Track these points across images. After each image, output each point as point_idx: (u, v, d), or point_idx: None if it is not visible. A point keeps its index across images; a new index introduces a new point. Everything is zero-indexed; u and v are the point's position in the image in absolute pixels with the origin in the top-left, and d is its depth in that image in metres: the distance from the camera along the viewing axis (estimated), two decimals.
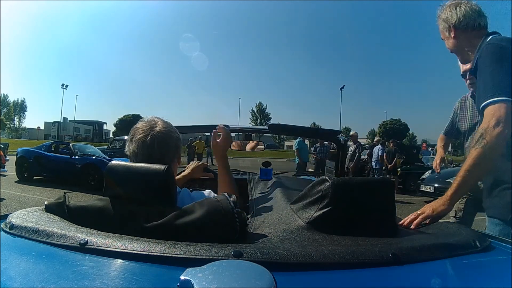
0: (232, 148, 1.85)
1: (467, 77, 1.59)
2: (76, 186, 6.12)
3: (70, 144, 7.45)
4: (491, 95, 0.94)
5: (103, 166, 6.22)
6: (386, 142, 7.95)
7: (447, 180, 6.05)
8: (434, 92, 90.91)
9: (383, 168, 7.52)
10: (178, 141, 0.87)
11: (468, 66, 1.56)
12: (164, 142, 0.81)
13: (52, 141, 8.06)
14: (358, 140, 7.30)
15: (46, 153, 7.08)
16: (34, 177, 7.06)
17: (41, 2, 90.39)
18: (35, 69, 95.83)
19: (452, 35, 1.19)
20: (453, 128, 1.78)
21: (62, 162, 6.82)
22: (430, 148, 13.87)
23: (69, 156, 6.82)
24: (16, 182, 6.73)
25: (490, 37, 1.10)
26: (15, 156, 7.37)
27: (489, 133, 0.91)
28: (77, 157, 6.79)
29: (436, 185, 6.20)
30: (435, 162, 1.84)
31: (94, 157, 6.83)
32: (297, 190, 0.98)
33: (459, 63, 1.59)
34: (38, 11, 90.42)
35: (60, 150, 7.33)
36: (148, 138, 0.79)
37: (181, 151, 0.90)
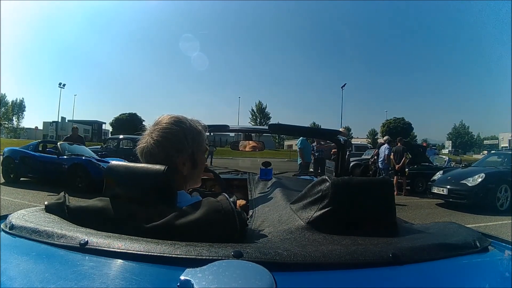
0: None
1: None
2: (63, 188, 5.79)
3: (58, 143, 7.19)
4: None
5: (91, 166, 6.12)
6: (393, 142, 7.92)
7: (461, 182, 5.86)
8: (433, 91, 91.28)
9: (390, 168, 7.50)
10: (185, 134, 0.78)
11: None
12: (165, 142, 0.77)
13: (39, 140, 7.90)
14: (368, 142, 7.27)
15: (33, 152, 6.93)
16: (21, 179, 6.91)
17: (40, 2, 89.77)
18: (33, 69, 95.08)
19: None
20: None
21: (49, 162, 6.64)
22: (431, 147, 13.95)
23: (56, 156, 6.63)
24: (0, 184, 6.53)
25: None
26: (1, 156, 7.20)
27: None
28: (65, 157, 6.58)
29: (449, 186, 5.98)
30: None
31: (83, 157, 6.62)
32: (297, 190, 1.01)
33: None
34: (36, 10, 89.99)
35: (47, 149, 7.16)
36: (147, 145, 0.76)
37: (198, 149, 0.81)
